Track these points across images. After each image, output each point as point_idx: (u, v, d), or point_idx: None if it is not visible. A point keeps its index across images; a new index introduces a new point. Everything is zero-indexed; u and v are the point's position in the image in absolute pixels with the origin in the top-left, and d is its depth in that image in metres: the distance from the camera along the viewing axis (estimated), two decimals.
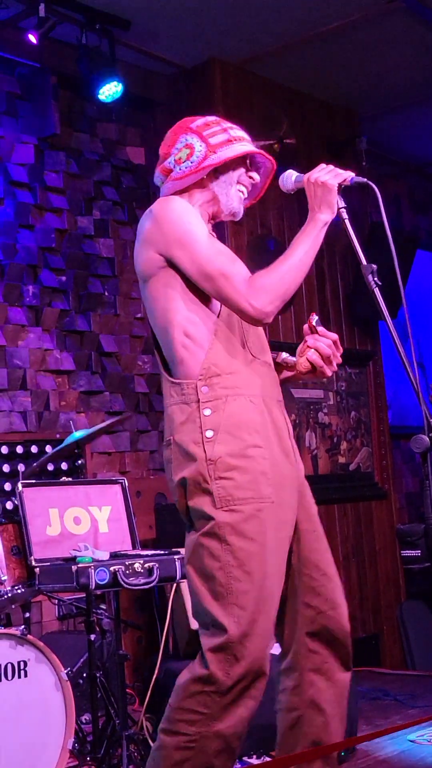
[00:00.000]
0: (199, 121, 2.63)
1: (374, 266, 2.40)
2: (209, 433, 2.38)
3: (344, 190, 2.52)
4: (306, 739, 2.50)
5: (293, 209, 5.79)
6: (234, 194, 2.61)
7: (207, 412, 2.40)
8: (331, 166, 2.54)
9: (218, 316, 2.48)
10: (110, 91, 4.97)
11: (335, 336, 2.57)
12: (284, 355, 2.65)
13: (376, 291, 2.39)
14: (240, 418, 2.41)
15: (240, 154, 2.57)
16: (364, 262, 2.43)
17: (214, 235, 2.59)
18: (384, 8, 5.15)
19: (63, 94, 5.32)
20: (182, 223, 2.47)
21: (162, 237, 2.47)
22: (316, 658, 2.51)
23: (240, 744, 2.38)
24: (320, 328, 2.56)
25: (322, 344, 2.55)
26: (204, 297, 2.48)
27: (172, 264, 2.48)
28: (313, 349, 2.55)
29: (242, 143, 2.60)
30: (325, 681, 2.51)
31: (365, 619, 5.93)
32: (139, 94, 5.56)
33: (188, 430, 2.41)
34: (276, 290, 2.43)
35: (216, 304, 2.49)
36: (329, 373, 2.59)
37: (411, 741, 3.83)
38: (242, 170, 2.62)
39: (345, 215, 2.50)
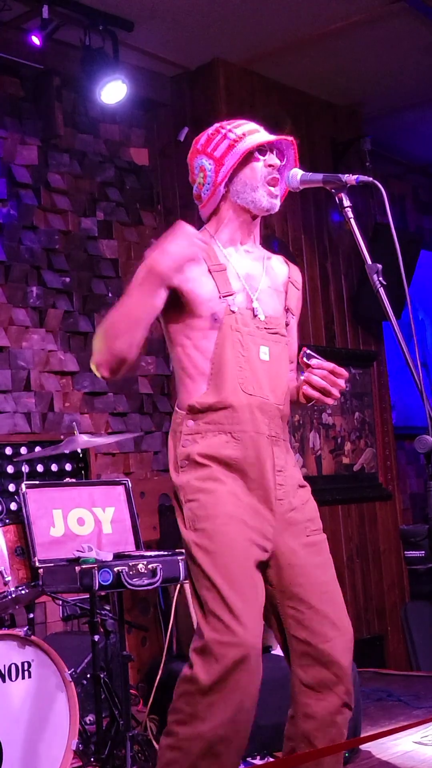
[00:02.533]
0: (203, 138, 2.62)
1: (379, 266, 2.39)
2: (183, 464, 2.49)
3: (349, 190, 2.51)
4: None
5: (297, 210, 5.79)
6: (261, 194, 2.56)
7: (185, 443, 2.49)
8: None
9: (213, 353, 2.50)
10: (114, 92, 4.97)
11: (330, 365, 2.51)
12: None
13: (381, 291, 2.38)
14: (213, 451, 2.46)
15: (240, 156, 2.52)
16: (369, 261, 2.43)
17: (247, 251, 2.61)
18: (388, 8, 5.15)
19: (66, 96, 5.32)
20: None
21: None
22: (309, 694, 2.46)
23: (227, 750, 2.32)
24: (314, 361, 2.51)
25: (315, 377, 2.51)
26: (201, 335, 2.51)
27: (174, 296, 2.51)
28: (306, 384, 2.53)
29: (242, 141, 2.54)
30: (319, 720, 2.44)
31: (369, 620, 5.93)
32: (142, 95, 5.56)
33: (172, 457, 2.53)
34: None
35: (211, 339, 2.50)
36: (330, 402, 2.55)
37: (415, 742, 3.83)
38: (255, 164, 2.56)
39: (350, 215, 2.49)
